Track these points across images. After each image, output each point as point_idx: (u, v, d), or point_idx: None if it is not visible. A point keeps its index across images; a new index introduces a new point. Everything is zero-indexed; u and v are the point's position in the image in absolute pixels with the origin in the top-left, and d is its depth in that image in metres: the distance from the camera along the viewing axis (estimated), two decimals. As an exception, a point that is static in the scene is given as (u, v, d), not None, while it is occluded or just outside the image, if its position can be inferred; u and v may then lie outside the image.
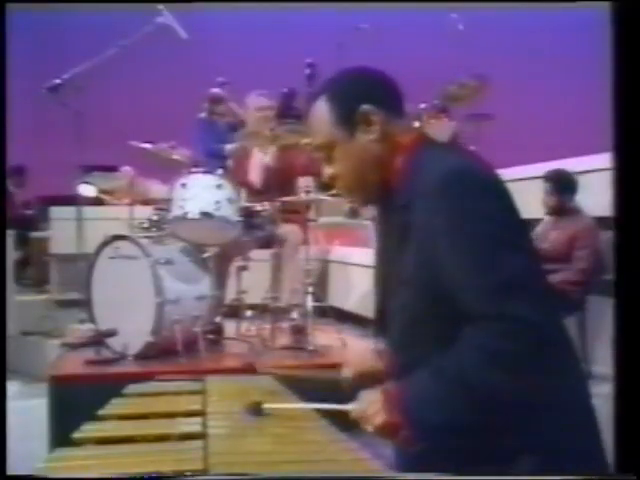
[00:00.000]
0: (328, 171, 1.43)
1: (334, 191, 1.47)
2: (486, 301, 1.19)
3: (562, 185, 4.18)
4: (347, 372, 1.54)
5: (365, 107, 1.36)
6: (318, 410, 1.41)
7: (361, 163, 1.38)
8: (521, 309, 1.16)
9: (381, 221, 1.49)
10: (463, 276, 1.21)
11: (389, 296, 1.40)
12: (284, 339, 3.76)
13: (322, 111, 1.40)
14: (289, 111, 5.72)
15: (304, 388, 1.54)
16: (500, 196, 1.27)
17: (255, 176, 4.25)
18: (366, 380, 1.47)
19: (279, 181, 4.05)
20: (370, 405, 1.28)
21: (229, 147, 5.22)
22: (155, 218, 3.68)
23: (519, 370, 1.18)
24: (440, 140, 1.50)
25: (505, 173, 5.15)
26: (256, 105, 4.28)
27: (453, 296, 1.23)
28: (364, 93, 1.39)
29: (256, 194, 4.06)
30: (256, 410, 1.38)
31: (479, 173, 1.28)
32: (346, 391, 1.48)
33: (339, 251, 5.55)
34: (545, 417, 1.23)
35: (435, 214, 1.24)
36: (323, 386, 1.53)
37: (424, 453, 1.25)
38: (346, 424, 1.33)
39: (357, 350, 1.52)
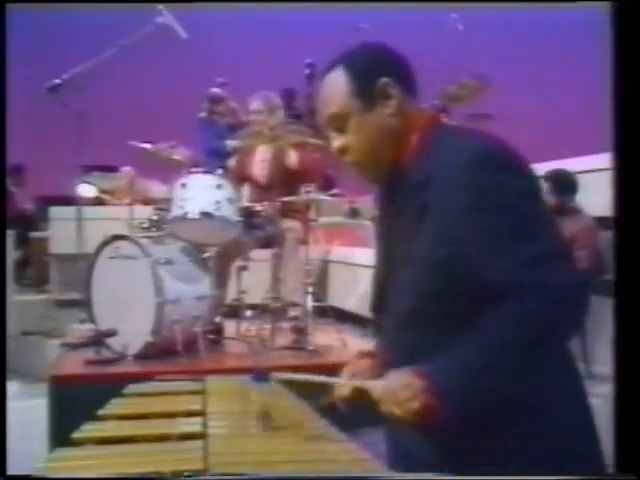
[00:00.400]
0: (338, 142, 1.41)
1: (346, 164, 1.42)
2: (522, 272, 1.18)
3: (562, 185, 4.18)
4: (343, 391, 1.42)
5: (385, 80, 1.36)
6: (329, 387, 1.40)
7: (376, 136, 1.37)
8: (561, 276, 1.18)
9: (388, 200, 1.46)
10: (492, 252, 1.21)
11: (393, 277, 1.38)
12: (284, 339, 3.76)
13: (339, 81, 1.38)
14: (289, 111, 5.72)
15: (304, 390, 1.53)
16: (528, 175, 1.29)
17: (258, 173, 4.26)
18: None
19: (279, 180, 4.05)
20: (404, 388, 1.23)
21: (230, 143, 5.23)
22: (155, 218, 3.68)
23: (561, 335, 1.21)
24: (447, 122, 1.51)
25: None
26: (253, 108, 4.27)
27: (476, 274, 1.22)
28: (383, 67, 1.38)
29: (260, 191, 4.07)
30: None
31: (506, 152, 1.29)
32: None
33: (339, 251, 5.55)
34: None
35: (460, 192, 1.23)
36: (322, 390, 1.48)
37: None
38: (361, 405, 1.31)
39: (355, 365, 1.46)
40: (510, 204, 1.22)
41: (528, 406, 1.23)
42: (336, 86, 1.39)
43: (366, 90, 1.36)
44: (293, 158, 4.09)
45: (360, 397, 1.37)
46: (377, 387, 1.29)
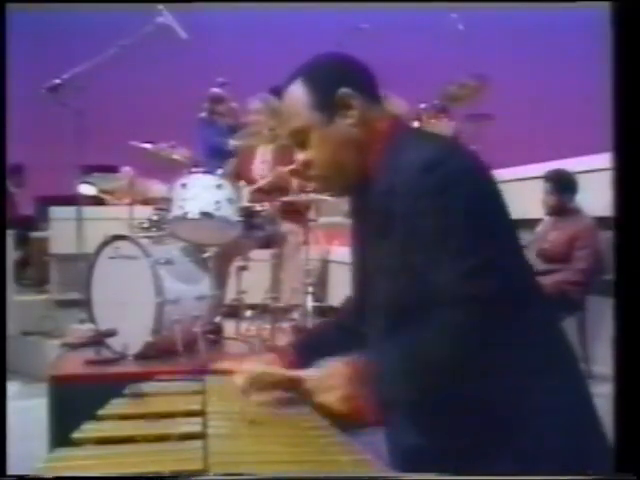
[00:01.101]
0: (301, 157, 1.39)
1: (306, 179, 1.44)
2: (457, 283, 1.18)
3: (562, 185, 4.18)
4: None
5: (344, 90, 1.34)
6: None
7: (339, 148, 1.35)
8: (491, 291, 1.16)
9: (357, 211, 1.46)
10: (440, 259, 1.20)
11: (370, 289, 1.38)
12: (284, 339, 3.76)
13: (298, 95, 1.36)
14: None
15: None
16: (480, 180, 1.27)
17: (259, 174, 4.26)
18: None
19: (280, 180, 4.06)
20: (331, 376, 1.26)
21: (231, 143, 5.23)
22: (155, 218, 3.68)
23: (485, 349, 1.18)
24: (418, 128, 1.51)
25: (505, 173, 5.16)
26: (252, 108, 4.28)
27: (426, 281, 1.22)
28: (342, 77, 1.36)
29: (261, 191, 4.07)
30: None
31: (462, 158, 1.28)
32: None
33: (339, 251, 5.55)
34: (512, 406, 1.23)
35: (417, 197, 1.22)
36: None
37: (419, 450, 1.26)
38: (297, 395, 1.32)
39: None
40: (452, 211, 1.20)
41: (487, 407, 1.22)
42: (296, 100, 1.37)
43: (326, 102, 1.34)
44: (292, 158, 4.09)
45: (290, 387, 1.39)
46: (309, 376, 1.30)
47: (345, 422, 1.26)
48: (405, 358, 1.23)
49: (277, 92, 6.27)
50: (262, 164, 4.26)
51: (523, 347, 1.22)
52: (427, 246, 1.22)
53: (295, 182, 4.10)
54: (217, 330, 3.78)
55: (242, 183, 4.21)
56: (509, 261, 1.23)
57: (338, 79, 1.35)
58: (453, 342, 1.19)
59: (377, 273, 1.34)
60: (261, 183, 4.03)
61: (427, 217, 1.21)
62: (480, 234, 1.21)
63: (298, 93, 1.36)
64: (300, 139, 1.38)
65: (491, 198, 1.27)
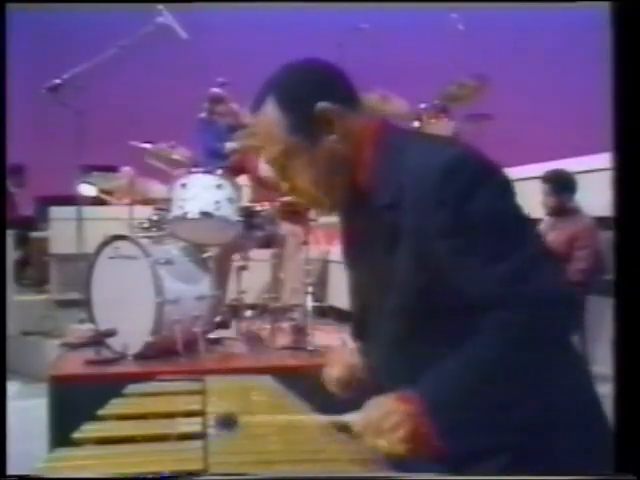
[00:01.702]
0: (286, 185, 1.27)
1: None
2: (500, 289, 1.12)
3: (561, 185, 4.19)
4: (331, 372, 1.44)
5: (322, 105, 1.20)
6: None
7: (328, 168, 1.23)
8: (537, 291, 1.13)
9: (352, 225, 1.36)
10: (471, 269, 1.14)
11: (374, 304, 1.30)
12: (284, 339, 3.76)
13: (272, 118, 1.22)
14: None
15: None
16: (501, 185, 1.20)
17: (265, 171, 4.26)
18: (348, 382, 1.42)
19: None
20: (387, 416, 1.13)
21: (230, 145, 5.22)
22: (155, 218, 3.68)
23: (541, 353, 1.14)
24: (399, 126, 1.34)
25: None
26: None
27: (456, 293, 1.16)
28: (316, 89, 1.22)
29: (267, 188, 4.07)
30: (230, 423, 1.20)
31: (476, 162, 1.19)
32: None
33: (339, 251, 5.55)
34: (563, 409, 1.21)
35: (434, 211, 1.14)
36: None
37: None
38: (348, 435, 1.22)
39: (341, 351, 1.45)
40: (483, 219, 1.14)
41: (534, 417, 1.18)
42: (271, 124, 1.22)
43: (305, 122, 1.21)
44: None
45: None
46: (357, 420, 1.17)
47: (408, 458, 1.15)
48: (467, 373, 1.15)
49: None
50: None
51: (562, 345, 1.21)
52: (452, 253, 1.15)
53: None
54: (224, 324, 3.76)
55: (247, 180, 4.21)
56: (540, 259, 1.18)
57: (313, 93, 1.21)
58: (515, 343, 1.13)
59: (385, 289, 1.25)
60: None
61: (449, 224, 1.14)
62: (511, 238, 1.16)
63: (272, 116, 1.22)
64: (281, 165, 1.25)
65: (511, 196, 1.21)
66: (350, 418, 1.20)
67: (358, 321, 1.41)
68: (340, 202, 1.30)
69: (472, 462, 1.15)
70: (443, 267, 1.16)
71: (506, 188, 1.21)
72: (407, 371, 1.22)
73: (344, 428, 1.22)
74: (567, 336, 1.23)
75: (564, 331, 1.21)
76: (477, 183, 1.15)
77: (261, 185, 4.13)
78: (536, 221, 4.25)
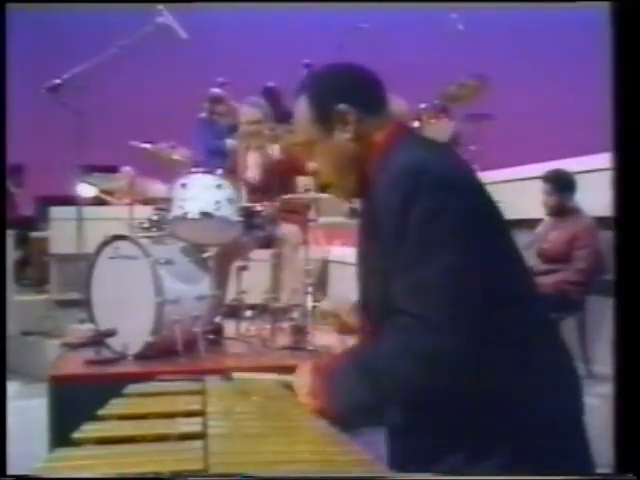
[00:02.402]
0: (311, 166, 1.49)
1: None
2: (402, 296, 1.23)
3: (561, 185, 4.18)
4: (326, 305, 1.60)
5: (340, 107, 1.39)
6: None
7: (338, 160, 1.42)
8: (426, 311, 1.19)
9: (360, 215, 1.53)
10: (396, 268, 1.25)
11: (368, 289, 1.44)
12: (284, 339, 3.76)
13: (302, 109, 1.44)
14: (277, 109, 5.71)
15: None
16: (453, 192, 1.24)
17: (253, 174, 4.26)
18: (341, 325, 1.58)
19: (279, 180, 4.05)
20: (303, 375, 1.40)
21: (230, 143, 5.23)
22: (155, 218, 3.68)
23: (425, 365, 1.20)
24: (417, 133, 1.55)
25: (505, 173, 5.17)
26: (247, 119, 4.25)
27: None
28: (341, 92, 1.41)
29: (255, 192, 4.06)
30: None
31: (437, 167, 1.28)
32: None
33: (339, 251, 5.55)
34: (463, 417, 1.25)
35: (387, 204, 1.27)
36: None
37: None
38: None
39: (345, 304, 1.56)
40: (418, 223, 1.22)
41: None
42: (301, 114, 1.45)
43: (324, 117, 1.41)
44: (293, 158, 4.08)
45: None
46: (293, 380, 1.44)
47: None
48: (357, 362, 1.31)
49: (274, 92, 6.31)
50: (258, 165, 4.25)
51: (509, 346, 1.23)
52: (392, 249, 1.26)
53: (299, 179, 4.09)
54: (217, 330, 3.78)
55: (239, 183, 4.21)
56: (457, 278, 1.20)
57: (337, 94, 1.40)
58: (401, 352, 1.23)
59: (369, 273, 1.41)
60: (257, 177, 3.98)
61: (391, 226, 1.26)
62: (432, 248, 1.21)
63: (302, 107, 1.44)
64: (306, 150, 1.46)
65: (457, 210, 1.22)
66: (289, 378, 1.47)
67: (361, 307, 1.50)
68: (349, 193, 1.49)
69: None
70: (384, 261, 1.29)
71: (458, 197, 1.24)
72: None
73: (288, 387, 1.47)
74: (472, 356, 1.21)
75: (461, 352, 1.20)
76: (423, 189, 1.23)
77: (251, 188, 4.12)
78: (532, 228, 4.26)
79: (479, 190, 1.30)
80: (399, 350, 1.23)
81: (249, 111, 4.25)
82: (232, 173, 4.29)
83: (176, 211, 3.41)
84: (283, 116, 4.35)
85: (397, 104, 4.48)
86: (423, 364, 1.20)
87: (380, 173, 1.34)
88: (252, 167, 4.28)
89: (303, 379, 1.39)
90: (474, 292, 1.20)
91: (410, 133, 1.46)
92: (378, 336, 1.30)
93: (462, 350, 1.19)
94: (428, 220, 1.21)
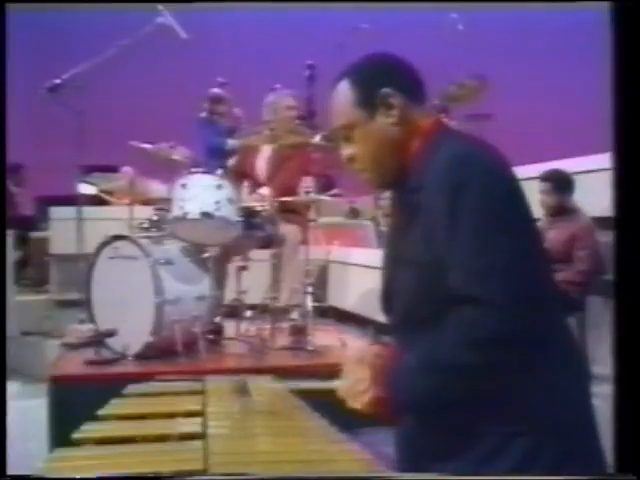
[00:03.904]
0: (346, 152, 1.45)
1: (353, 171, 1.49)
2: (469, 283, 1.21)
3: (559, 184, 4.19)
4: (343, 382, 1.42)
5: (385, 90, 1.38)
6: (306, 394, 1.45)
7: (379, 145, 1.40)
8: (497, 295, 1.18)
9: (394, 204, 1.51)
10: (455, 256, 1.23)
11: (395, 278, 1.42)
12: (284, 339, 3.76)
13: (344, 93, 1.42)
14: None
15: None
16: (502, 181, 1.28)
17: (261, 171, 4.26)
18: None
19: (279, 180, 4.06)
20: (358, 382, 1.31)
21: (231, 143, 5.22)
22: (155, 218, 3.68)
23: (493, 354, 1.19)
24: (450, 126, 1.51)
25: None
26: (287, 104, 4.27)
27: (446, 278, 1.24)
28: (385, 77, 1.41)
29: (260, 187, 4.06)
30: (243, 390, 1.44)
31: (485, 158, 1.30)
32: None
33: (339, 251, 5.55)
34: (528, 406, 1.23)
35: (438, 193, 1.26)
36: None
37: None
38: (334, 402, 1.34)
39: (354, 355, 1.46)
40: (475, 210, 1.22)
41: (511, 405, 1.23)
42: (342, 97, 1.43)
43: (368, 100, 1.39)
44: (293, 159, 4.09)
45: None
46: (338, 386, 1.35)
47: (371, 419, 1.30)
48: (421, 358, 1.26)
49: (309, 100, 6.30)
50: (264, 164, 4.26)
51: (537, 348, 1.22)
52: (443, 243, 1.24)
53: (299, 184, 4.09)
54: (217, 330, 3.78)
55: (245, 183, 4.21)
56: (521, 262, 1.22)
57: (382, 79, 1.40)
58: (467, 343, 1.20)
59: (402, 266, 1.38)
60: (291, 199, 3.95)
61: (445, 214, 1.24)
62: (495, 233, 1.22)
63: (344, 91, 1.42)
64: (345, 135, 1.44)
65: (509, 199, 1.27)
66: (334, 385, 1.36)
67: (384, 292, 1.48)
68: (386, 180, 1.45)
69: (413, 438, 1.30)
70: (440, 252, 1.25)
71: (503, 188, 1.27)
72: (410, 346, 1.32)
73: (329, 394, 1.36)
74: (540, 339, 1.21)
75: (532, 335, 1.20)
76: (476, 177, 1.24)
77: (258, 186, 4.12)
78: (536, 222, 4.24)
79: (518, 181, 1.32)
80: (463, 340, 1.20)
81: (287, 98, 4.27)
82: (238, 171, 4.31)
83: (176, 211, 3.41)
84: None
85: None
86: (485, 353, 1.19)
87: (425, 162, 1.33)
88: (261, 163, 4.28)
89: (358, 383, 1.31)
90: (536, 279, 1.23)
91: (450, 127, 1.47)
92: (437, 328, 1.26)
93: (525, 335, 1.18)
94: (483, 207, 1.22)
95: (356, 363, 1.35)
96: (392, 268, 1.46)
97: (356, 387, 1.31)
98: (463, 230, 1.22)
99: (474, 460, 1.24)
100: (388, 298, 1.46)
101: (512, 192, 1.28)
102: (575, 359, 1.33)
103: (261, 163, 4.29)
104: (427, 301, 1.30)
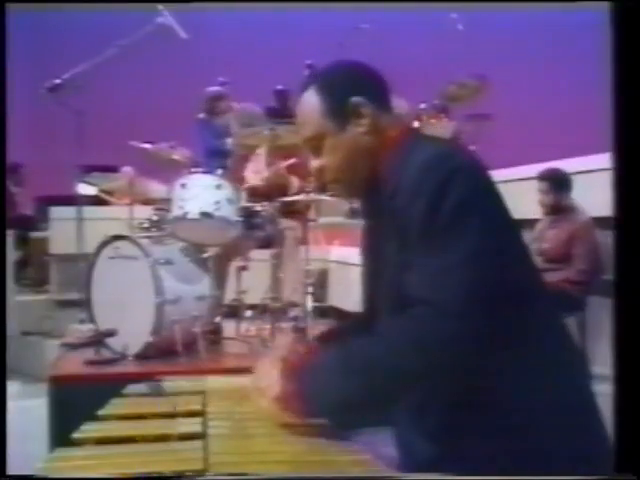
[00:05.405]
0: (315, 163, 1.42)
1: (324, 186, 1.48)
2: (421, 284, 1.19)
3: (557, 183, 4.19)
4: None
5: (356, 99, 1.36)
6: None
7: (350, 155, 1.37)
8: (443, 296, 1.15)
9: (367, 215, 1.49)
10: (414, 257, 1.21)
11: (376, 290, 1.40)
12: (284, 339, 3.75)
13: (312, 102, 1.38)
14: (284, 111, 5.71)
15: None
16: (473, 182, 1.25)
17: (255, 174, 4.26)
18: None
19: (279, 182, 4.06)
20: (266, 376, 1.30)
21: (230, 143, 5.23)
22: (155, 218, 3.68)
23: (435, 357, 1.16)
24: (428, 134, 1.50)
25: (505, 173, 5.16)
26: (247, 114, 4.27)
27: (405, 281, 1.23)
28: (355, 85, 1.38)
29: (256, 192, 4.06)
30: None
31: (457, 160, 1.27)
32: None
33: (339, 251, 5.55)
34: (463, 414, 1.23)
35: (409, 202, 1.23)
36: None
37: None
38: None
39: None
40: (441, 216, 1.19)
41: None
42: (310, 107, 1.39)
43: (338, 110, 1.36)
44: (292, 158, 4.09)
45: None
46: (249, 383, 1.37)
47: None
48: (348, 356, 1.24)
49: (284, 95, 6.32)
50: (258, 164, 4.26)
51: (518, 346, 1.21)
52: (413, 244, 1.22)
53: (295, 181, 4.09)
54: (217, 330, 3.78)
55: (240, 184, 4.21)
56: (479, 263, 1.19)
57: (351, 87, 1.37)
58: (410, 344, 1.18)
59: (383, 273, 1.35)
60: (258, 182, 4.01)
61: (418, 218, 1.21)
62: (454, 234, 1.19)
63: (312, 101, 1.39)
64: (314, 146, 1.40)
65: (479, 200, 1.24)
66: (245, 381, 1.39)
67: (366, 307, 1.48)
68: (359, 190, 1.43)
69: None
70: (407, 254, 1.24)
71: (479, 189, 1.25)
72: None
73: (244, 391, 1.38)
74: (501, 339, 1.18)
75: (485, 336, 1.17)
76: (449, 181, 1.21)
77: (250, 192, 4.12)
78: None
79: (493, 183, 1.30)
80: (405, 340, 1.18)
81: (249, 107, 4.26)
82: (233, 174, 4.31)
83: (176, 211, 3.41)
84: (287, 117, 4.37)
85: (398, 104, 4.48)
86: (429, 355, 1.16)
87: (397, 168, 1.31)
88: (255, 166, 4.28)
89: (267, 380, 1.29)
90: (493, 280, 1.19)
91: (420, 132, 1.47)
92: (377, 328, 1.26)
93: (472, 338, 1.15)
94: (454, 212, 1.19)
95: (268, 359, 1.34)
96: (372, 282, 1.45)
97: (261, 382, 1.30)
98: (429, 235, 1.20)
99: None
100: (371, 308, 1.45)
101: (484, 193, 1.26)
102: (566, 359, 1.31)
103: (254, 165, 4.28)
104: (391, 305, 1.30)
